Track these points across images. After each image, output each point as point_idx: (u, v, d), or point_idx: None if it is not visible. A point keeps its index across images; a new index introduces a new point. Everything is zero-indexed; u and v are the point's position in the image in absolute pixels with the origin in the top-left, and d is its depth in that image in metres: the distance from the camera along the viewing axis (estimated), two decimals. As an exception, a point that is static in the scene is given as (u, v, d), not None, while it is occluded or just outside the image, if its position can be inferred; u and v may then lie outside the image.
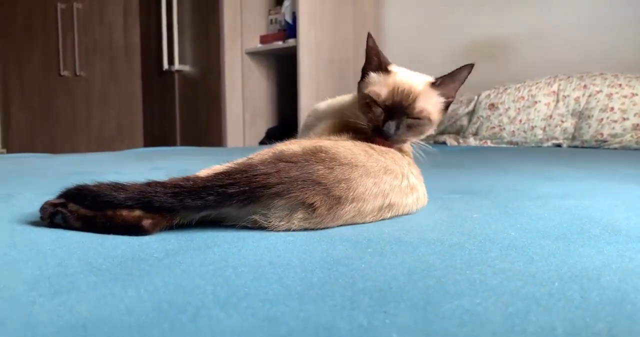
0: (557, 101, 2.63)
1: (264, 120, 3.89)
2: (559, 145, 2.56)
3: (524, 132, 2.66)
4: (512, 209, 0.97)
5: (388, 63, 1.07)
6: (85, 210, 0.78)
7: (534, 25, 3.10)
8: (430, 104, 1.00)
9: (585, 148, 2.46)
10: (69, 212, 0.79)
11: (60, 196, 0.80)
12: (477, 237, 0.75)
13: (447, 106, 1.05)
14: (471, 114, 2.91)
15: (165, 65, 4.05)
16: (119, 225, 0.76)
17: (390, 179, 0.86)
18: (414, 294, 0.52)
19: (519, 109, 2.70)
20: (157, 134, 4.34)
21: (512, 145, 2.68)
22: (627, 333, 0.43)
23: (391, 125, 0.96)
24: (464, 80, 1.04)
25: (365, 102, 1.00)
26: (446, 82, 1.02)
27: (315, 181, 0.77)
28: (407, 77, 1.02)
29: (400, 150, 1.00)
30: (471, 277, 0.57)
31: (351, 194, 0.81)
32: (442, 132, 3.05)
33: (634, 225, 0.83)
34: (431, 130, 1.05)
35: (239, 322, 0.45)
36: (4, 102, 4.48)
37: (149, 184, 0.76)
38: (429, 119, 1.00)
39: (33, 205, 0.94)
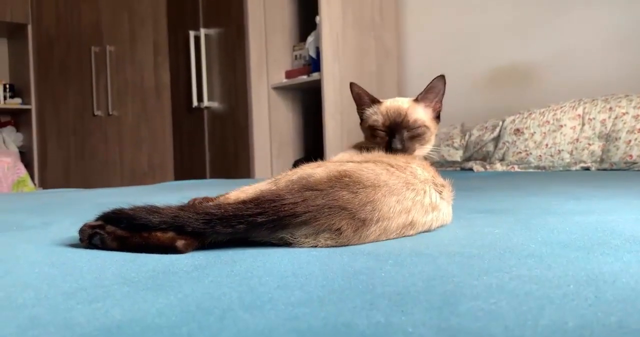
0: (583, 124, 2.63)
1: (291, 152, 3.95)
2: (587, 169, 2.54)
3: (551, 156, 2.65)
4: (534, 224, 0.98)
5: (376, 98, 1.24)
6: (122, 231, 0.82)
7: (556, 49, 3.12)
8: (420, 114, 1.18)
9: (614, 170, 2.44)
10: (107, 233, 0.83)
11: (98, 219, 0.85)
12: (496, 249, 0.76)
13: (437, 115, 1.22)
14: (497, 139, 2.91)
15: (195, 102, 4.18)
16: (154, 245, 0.79)
17: (413, 195, 0.88)
18: (432, 296, 0.54)
19: (544, 133, 2.70)
20: (187, 169, 4.44)
21: (539, 170, 2.67)
22: (637, 324, 0.44)
23: (396, 140, 1.14)
24: (442, 90, 1.20)
25: (371, 133, 1.19)
26: (426, 96, 1.20)
27: (341, 207, 0.80)
28: (394, 101, 1.22)
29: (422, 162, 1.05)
30: (488, 282, 0.59)
31: (376, 214, 0.83)
32: (468, 159, 3.06)
33: (656, 236, 0.83)
34: (433, 138, 1.21)
35: (262, 321, 0.47)
36: (41, 142, 4.65)
37: (182, 209, 0.79)
38: (426, 126, 1.17)
39: (70, 231, 0.99)
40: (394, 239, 0.87)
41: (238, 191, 0.90)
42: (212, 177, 4.14)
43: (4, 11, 4.50)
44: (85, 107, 4.61)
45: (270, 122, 3.85)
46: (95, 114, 4.60)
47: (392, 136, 1.14)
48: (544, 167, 2.67)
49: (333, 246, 0.81)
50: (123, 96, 4.60)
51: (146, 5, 4.51)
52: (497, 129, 2.92)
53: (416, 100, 1.19)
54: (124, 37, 4.57)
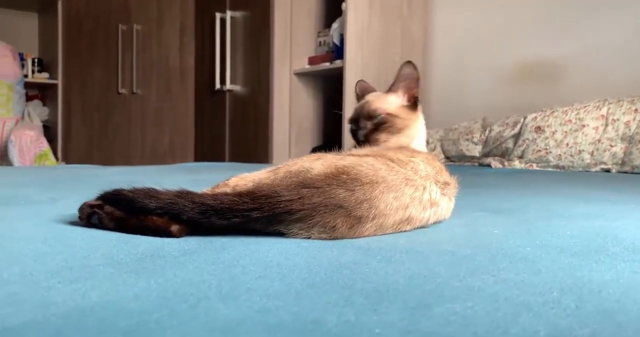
0: (606, 125, 2.57)
1: (310, 139, 3.95)
2: (607, 171, 2.49)
3: (571, 156, 2.60)
4: (537, 227, 0.97)
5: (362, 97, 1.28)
6: (120, 212, 0.83)
7: (584, 47, 3.05)
8: (385, 103, 1.18)
9: (635, 174, 2.38)
10: (105, 214, 0.84)
11: (98, 198, 0.86)
12: (490, 251, 0.75)
13: (414, 102, 1.19)
14: (517, 136, 2.87)
15: (217, 85, 4.19)
16: (149, 228, 0.80)
17: (412, 191, 0.88)
18: (409, 296, 0.53)
19: (566, 132, 2.65)
20: (207, 151, 4.47)
21: (558, 170, 2.63)
22: (609, 338, 0.43)
23: (359, 131, 1.17)
24: (413, 75, 1.18)
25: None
26: (395, 85, 1.19)
27: (337, 205, 0.80)
28: (369, 96, 1.24)
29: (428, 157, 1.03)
30: (471, 284, 0.58)
31: (373, 212, 0.82)
32: (487, 154, 3.02)
33: (658, 245, 0.81)
34: (412, 126, 1.17)
35: (233, 312, 0.47)
36: (66, 117, 4.72)
37: (179, 195, 0.78)
38: (390, 114, 1.15)
39: (74, 208, 1.00)
40: (390, 234, 0.86)
41: (237, 178, 0.90)
42: (230, 160, 4.16)
43: (35, -15, 4.55)
44: (110, 84, 4.66)
45: (291, 108, 3.85)
46: (120, 91, 4.64)
47: (357, 128, 1.18)
48: (563, 167, 2.63)
49: (326, 239, 0.80)
50: (148, 75, 4.64)
51: (175, -14, 4.52)
52: (518, 126, 2.87)
53: (388, 90, 1.20)
54: (151, 16, 4.60)
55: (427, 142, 3.30)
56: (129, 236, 0.79)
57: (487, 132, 3.06)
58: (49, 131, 4.81)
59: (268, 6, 3.79)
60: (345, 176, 0.83)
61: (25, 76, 4.56)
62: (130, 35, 4.59)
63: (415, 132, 1.17)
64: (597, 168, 2.53)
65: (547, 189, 1.66)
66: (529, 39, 3.30)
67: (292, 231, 0.80)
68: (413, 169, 0.91)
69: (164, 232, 0.79)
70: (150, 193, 0.80)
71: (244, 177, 0.89)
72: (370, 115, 1.16)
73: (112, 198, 0.83)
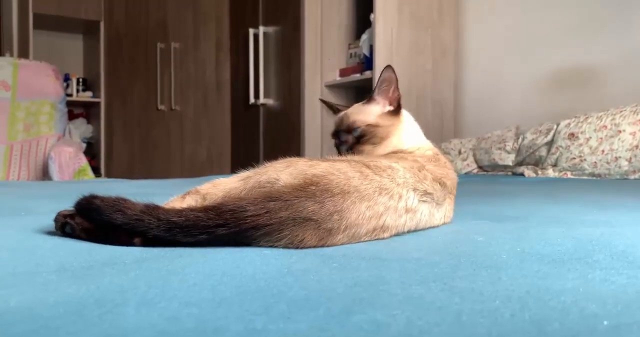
0: (644, 130, 2.44)
1: (341, 151, 3.93)
2: (647, 178, 2.36)
3: (607, 163, 2.48)
4: (530, 234, 0.91)
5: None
6: (88, 223, 0.83)
7: (620, 51, 2.92)
8: (363, 114, 1.16)
9: (676, 181, 2.25)
10: (76, 224, 0.84)
11: (74, 207, 0.86)
12: (459, 258, 0.71)
13: (397, 106, 1.17)
14: (550, 144, 2.76)
15: (252, 99, 4.24)
16: (114, 240, 0.80)
17: (386, 200, 0.84)
18: (337, 304, 0.50)
19: (601, 138, 2.53)
20: (243, 163, 4.48)
21: (594, 178, 2.51)
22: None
23: (342, 146, 1.15)
24: (393, 78, 1.16)
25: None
26: (379, 92, 1.17)
27: (305, 218, 0.77)
28: (349, 109, 1.22)
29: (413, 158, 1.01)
30: (414, 292, 0.55)
31: (344, 223, 0.80)
32: (520, 163, 2.92)
33: (650, 252, 0.75)
34: (396, 132, 1.15)
35: (140, 319, 0.46)
36: (108, 134, 4.87)
37: (145, 210, 0.77)
38: (369, 125, 1.14)
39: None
40: (366, 241, 0.83)
41: (210, 184, 0.89)
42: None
43: (78, 9, 4.74)
44: (150, 101, 4.78)
45: (322, 120, 3.84)
46: (159, 108, 4.76)
47: (339, 142, 1.17)
48: (599, 175, 2.51)
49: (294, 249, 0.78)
50: (185, 91, 4.74)
51: (210, 4, 4.61)
52: (551, 133, 2.77)
53: (369, 100, 1.18)
54: (188, 34, 4.70)
55: (444, 148, 3.22)
56: (97, 245, 0.79)
57: (520, 140, 2.96)
58: (92, 148, 4.97)
59: (299, 21, 3.81)
60: (314, 187, 0.79)
61: (70, 95, 4.74)
62: (168, 53, 4.71)
63: (403, 135, 1.14)
64: (637, 175, 2.40)
65: (566, 197, 1.58)
66: (563, 44, 3.19)
67: (260, 244, 0.78)
68: (390, 177, 0.87)
69: (128, 244, 0.79)
70: (117, 206, 0.79)
71: (217, 185, 0.88)
72: (349, 128, 1.15)
73: (84, 207, 0.83)
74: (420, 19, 3.57)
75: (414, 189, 0.90)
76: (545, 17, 3.29)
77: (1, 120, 3.64)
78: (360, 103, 1.21)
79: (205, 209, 0.77)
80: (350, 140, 1.14)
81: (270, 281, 0.59)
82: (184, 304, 0.50)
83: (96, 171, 4.81)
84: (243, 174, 0.89)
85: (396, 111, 1.16)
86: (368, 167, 0.88)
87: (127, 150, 4.88)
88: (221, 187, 0.87)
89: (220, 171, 4.59)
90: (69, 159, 3.39)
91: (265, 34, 4.16)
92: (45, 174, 3.54)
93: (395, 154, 1.05)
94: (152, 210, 0.77)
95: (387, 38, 3.42)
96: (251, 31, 4.21)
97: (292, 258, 0.71)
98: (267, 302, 0.51)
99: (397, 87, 1.16)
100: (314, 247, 0.78)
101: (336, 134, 1.19)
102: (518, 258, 0.72)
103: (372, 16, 3.43)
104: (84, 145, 4.50)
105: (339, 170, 0.84)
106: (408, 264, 0.67)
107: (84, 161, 3.49)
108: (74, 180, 3.20)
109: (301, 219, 0.76)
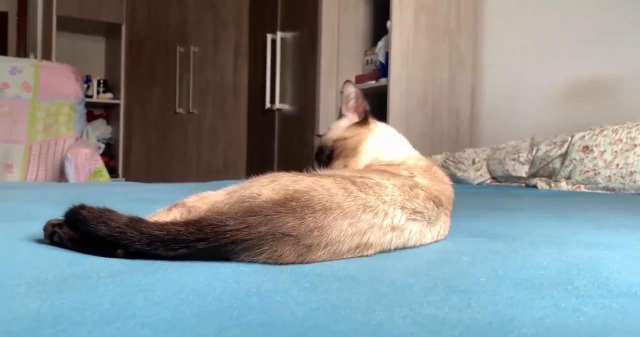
0: (661, 145, 2.39)
1: (355, 158, 3.92)
2: (662, 194, 2.31)
3: (622, 177, 2.44)
4: (517, 256, 0.90)
5: None
6: (74, 233, 0.84)
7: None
8: (331, 131, 1.24)
9: (692, 197, 2.20)
10: (63, 233, 0.86)
11: (64, 216, 0.87)
12: (436, 281, 0.70)
13: (364, 116, 1.22)
14: (564, 156, 2.72)
15: (268, 104, 4.25)
16: (99, 250, 0.81)
17: (370, 217, 0.84)
18: (292, 330, 0.50)
19: (616, 152, 2.49)
20: (258, 168, 4.50)
21: (608, 192, 2.46)
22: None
23: (319, 164, 1.20)
24: (351, 94, 1.23)
25: None
26: (343, 109, 1.25)
27: (285, 234, 0.76)
28: None
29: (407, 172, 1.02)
30: (374, 318, 0.54)
31: (324, 240, 0.79)
32: (534, 175, 2.88)
33: (634, 279, 0.73)
34: (364, 138, 1.18)
35: (90, 340, 0.46)
36: (127, 135, 4.94)
37: (129, 223, 0.77)
38: (336, 140, 1.20)
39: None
40: (349, 259, 0.83)
41: (197, 197, 0.90)
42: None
43: (100, 11, 4.83)
44: (168, 104, 4.83)
45: (337, 126, 3.84)
46: (177, 111, 4.81)
47: (319, 162, 1.22)
48: (613, 189, 2.46)
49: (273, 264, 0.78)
50: (204, 95, 4.78)
51: (230, 9, 4.65)
52: (566, 145, 2.72)
53: (339, 117, 1.25)
54: (208, 38, 4.75)
55: (461, 159, 3.19)
56: (80, 255, 0.80)
57: (534, 151, 2.92)
58: (111, 149, 5.04)
59: (316, 27, 3.82)
60: (294, 203, 0.79)
61: (91, 96, 4.82)
62: (188, 57, 4.75)
63: (378, 144, 1.16)
64: (652, 191, 2.35)
65: (571, 213, 1.55)
66: (581, 55, 3.14)
67: (241, 259, 0.78)
68: (376, 194, 0.87)
69: (112, 256, 0.79)
70: (102, 218, 0.79)
71: (203, 198, 0.89)
72: (322, 147, 1.21)
73: (71, 217, 0.84)
74: (437, 27, 3.56)
75: (402, 207, 0.89)
76: (563, 28, 3.25)
77: (22, 121, 3.71)
78: (335, 121, 1.26)
79: (187, 223, 0.77)
80: (324, 158, 1.18)
81: (234, 302, 0.58)
82: (140, 324, 0.50)
83: (114, 172, 4.87)
84: (229, 188, 0.89)
85: (363, 121, 1.18)
86: (354, 183, 0.87)
87: (145, 152, 4.93)
88: (207, 200, 0.87)
89: (235, 176, 4.61)
90: (85, 160, 3.44)
91: (282, 39, 4.18)
92: (62, 175, 3.60)
93: (388, 165, 1.05)
94: (135, 223, 0.78)
95: (403, 46, 3.41)
96: (269, 36, 4.24)
97: (267, 276, 0.70)
98: (222, 325, 0.51)
99: (362, 99, 1.20)
100: (293, 263, 0.78)
101: (316, 157, 1.24)
102: (496, 282, 0.70)
103: (388, 23, 3.43)
104: (102, 146, 4.57)
105: (322, 186, 0.84)
106: (381, 287, 0.67)
107: (100, 163, 3.54)
108: (88, 182, 3.25)
109: (280, 234, 0.76)
